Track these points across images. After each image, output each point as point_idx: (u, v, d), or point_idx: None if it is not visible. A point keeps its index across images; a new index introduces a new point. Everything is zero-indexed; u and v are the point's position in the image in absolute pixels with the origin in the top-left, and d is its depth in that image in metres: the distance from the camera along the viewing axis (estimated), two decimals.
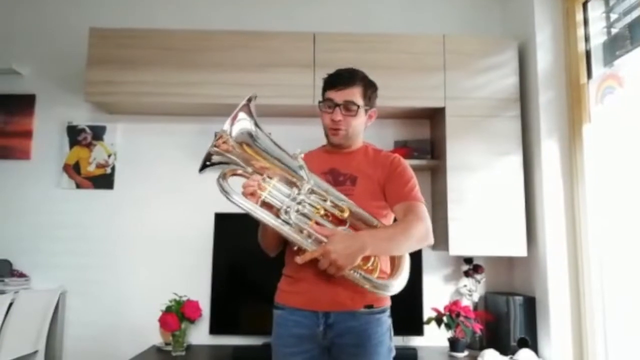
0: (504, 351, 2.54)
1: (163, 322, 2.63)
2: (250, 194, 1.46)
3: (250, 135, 1.46)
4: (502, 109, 2.72)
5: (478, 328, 2.65)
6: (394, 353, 1.63)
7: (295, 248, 1.48)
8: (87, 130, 2.95)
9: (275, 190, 1.47)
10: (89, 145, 2.94)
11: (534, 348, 2.56)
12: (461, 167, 2.67)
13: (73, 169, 2.93)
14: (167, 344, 2.67)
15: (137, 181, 2.94)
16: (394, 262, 1.58)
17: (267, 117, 2.89)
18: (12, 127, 2.96)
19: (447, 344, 2.69)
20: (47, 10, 3.10)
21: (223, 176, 1.48)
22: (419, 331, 2.72)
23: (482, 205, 2.66)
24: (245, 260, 2.78)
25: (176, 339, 2.64)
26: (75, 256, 2.88)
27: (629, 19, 2.35)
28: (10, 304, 2.40)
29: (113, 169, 2.94)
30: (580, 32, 2.63)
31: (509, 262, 2.93)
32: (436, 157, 2.86)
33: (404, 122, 3.01)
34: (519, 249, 2.64)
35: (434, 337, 2.73)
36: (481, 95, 2.73)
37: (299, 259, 1.45)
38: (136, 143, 2.97)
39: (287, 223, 1.46)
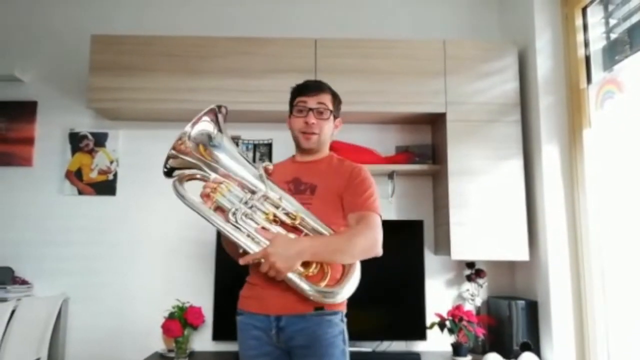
0: (506, 355, 2.54)
1: (166, 328, 2.63)
2: (205, 196, 1.52)
3: (209, 137, 1.52)
4: (503, 114, 2.74)
5: (481, 332, 2.65)
6: (348, 359, 1.63)
7: (241, 251, 1.51)
8: (89, 136, 2.96)
9: (229, 194, 1.52)
10: (91, 152, 2.95)
11: (537, 352, 2.56)
12: (462, 172, 2.68)
13: (75, 176, 2.93)
14: (170, 350, 2.67)
15: (139, 187, 2.94)
16: (344, 270, 1.59)
17: (269, 123, 2.91)
18: (14, 133, 2.96)
19: (450, 348, 2.69)
20: (49, 17, 3.11)
21: (179, 180, 1.54)
22: (422, 336, 2.72)
23: (484, 210, 2.66)
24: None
25: (179, 346, 2.64)
26: (78, 263, 2.88)
27: (628, 24, 2.36)
28: (13, 312, 2.39)
29: (115, 175, 2.94)
30: (580, 37, 2.64)
31: (510, 266, 2.94)
32: (437, 162, 2.87)
33: (405, 127, 3.02)
34: (521, 253, 2.65)
35: (437, 342, 2.73)
36: (482, 101, 2.75)
37: (241, 261, 1.50)
38: (138, 149, 2.97)
39: (235, 226, 1.50)
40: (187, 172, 1.55)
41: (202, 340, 2.80)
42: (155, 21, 3.10)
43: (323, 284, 1.53)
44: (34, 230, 2.90)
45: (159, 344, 2.72)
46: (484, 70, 2.77)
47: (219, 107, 1.54)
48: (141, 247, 2.91)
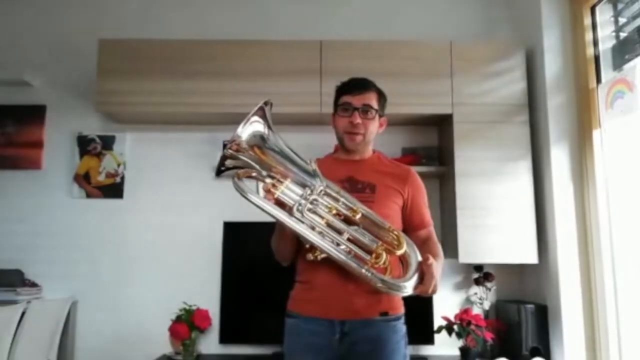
0: None
1: (173, 331, 2.64)
2: (266, 191, 1.49)
3: (262, 138, 1.48)
4: (511, 114, 2.71)
5: (489, 337, 2.62)
6: None
7: (308, 246, 1.50)
8: (97, 140, 2.98)
9: (288, 190, 1.49)
10: (98, 155, 2.97)
11: (547, 357, 2.53)
12: (470, 174, 2.66)
13: (83, 179, 2.96)
14: (177, 353, 2.68)
15: (146, 190, 2.96)
16: (405, 265, 1.55)
17: (274, 126, 2.90)
18: (23, 137, 3.00)
19: (458, 353, 2.67)
20: (57, 22, 3.14)
21: (237, 176, 1.51)
22: (429, 340, 2.70)
23: (492, 212, 2.64)
24: (254, 268, 2.78)
25: (186, 348, 2.65)
26: (86, 265, 2.90)
27: (638, 22, 2.33)
28: (23, 314, 2.41)
29: (122, 178, 2.96)
30: (589, 36, 2.61)
31: (519, 270, 2.89)
32: (444, 163, 2.85)
33: (411, 128, 3.00)
34: (530, 256, 2.61)
35: (444, 346, 2.71)
36: (489, 101, 2.72)
37: (310, 256, 1.49)
38: (145, 152, 3.00)
39: (300, 221, 1.47)
40: (242, 171, 1.52)
41: (209, 343, 2.80)
42: (162, 25, 3.12)
43: (387, 275, 1.50)
44: (43, 232, 2.92)
45: (166, 347, 2.72)
46: (491, 71, 2.74)
47: (265, 103, 1.50)
48: (148, 250, 2.92)
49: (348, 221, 1.52)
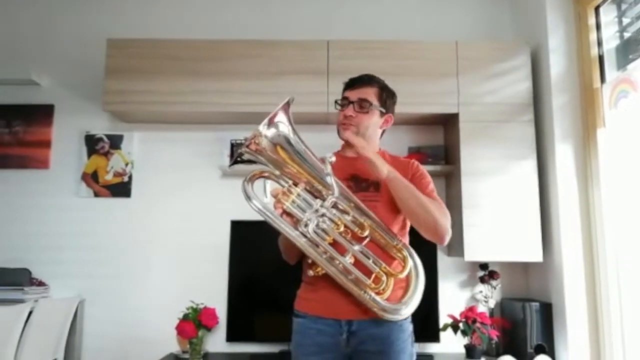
0: (521, 358, 2.53)
1: (180, 329, 2.65)
2: (274, 197, 1.48)
3: (286, 139, 1.47)
4: (516, 114, 2.73)
5: (494, 334, 2.63)
6: (415, 359, 1.64)
7: (310, 261, 1.51)
8: (105, 139, 3.00)
9: (299, 199, 1.48)
10: (106, 154, 2.99)
11: (551, 354, 2.54)
12: (475, 173, 2.68)
13: (91, 178, 2.97)
14: (184, 351, 2.69)
15: (154, 189, 2.98)
16: (408, 286, 1.57)
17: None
18: (31, 136, 3.02)
19: (463, 350, 2.68)
20: (65, 21, 3.16)
21: (249, 179, 1.51)
22: (435, 338, 2.71)
23: (497, 211, 2.65)
24: (261, 267, 2.79)
25: (193, 347, 2.66)
26: (93, 264, 2.91)
27: None
28: (30, 313, 2.41)
29: (130, 177, 2.98)
30: (593, 36, 2.63)
31: (524, 268, 2.91)
32: (450, 162, 2.87)
33: (417, 128, 3.02)
34: (535, 255, 2.63)
35: (450, 344, 2.72)
36: (494, 101, 2.74)
37: (311, 272, 1.50)
38: (153, 151, 3.01)
39: (304, 236, 1.47)
40: (257, 170, 1.52)
41: (216, 341, 2.81)
42: (170, 25, 3.14)
43: (385, 296, 1.51)
44: (50, 232, 2.94)
45: (173, 346, 2.74)
46: (496, 70, 2.76)
47: (288, 102, 1.48)
48: (156, 248, 2.94)
49: (356, 236, 1.52)
